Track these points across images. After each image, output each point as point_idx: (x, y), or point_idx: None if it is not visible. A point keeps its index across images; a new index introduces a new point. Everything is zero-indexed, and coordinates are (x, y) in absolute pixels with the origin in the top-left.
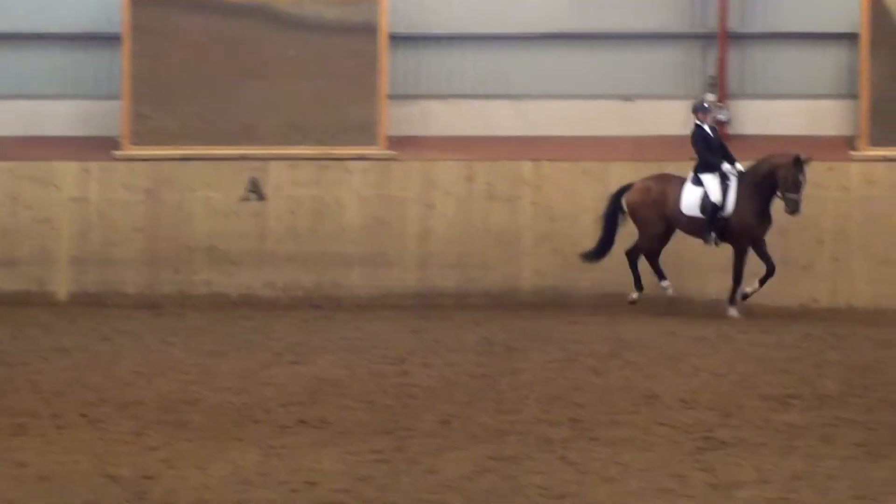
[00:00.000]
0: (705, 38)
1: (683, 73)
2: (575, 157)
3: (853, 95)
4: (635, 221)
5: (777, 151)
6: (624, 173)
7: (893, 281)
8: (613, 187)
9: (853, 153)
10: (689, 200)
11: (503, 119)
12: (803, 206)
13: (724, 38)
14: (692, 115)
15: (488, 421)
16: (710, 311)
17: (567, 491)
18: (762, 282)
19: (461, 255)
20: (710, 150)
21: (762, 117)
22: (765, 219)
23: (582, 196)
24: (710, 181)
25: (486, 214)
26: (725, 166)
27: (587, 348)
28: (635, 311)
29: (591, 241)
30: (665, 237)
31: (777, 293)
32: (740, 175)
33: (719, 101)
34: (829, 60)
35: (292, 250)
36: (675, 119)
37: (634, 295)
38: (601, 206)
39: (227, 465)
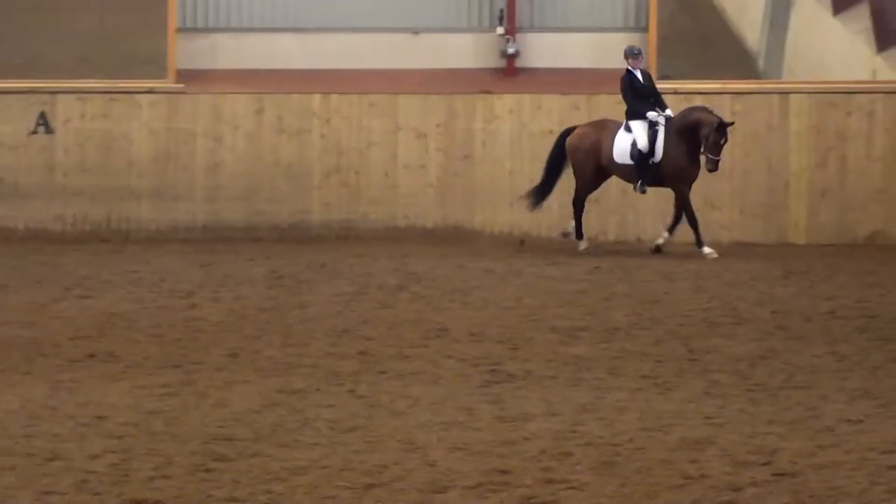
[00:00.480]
0: None
1: (471, 7)
2: (363, 89)
3: (642, 28)
4: (572, 166)
5: (703, 105)
6: (412, 106)
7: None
8: (402, 121)
9: None
10: (621, 147)
11: (292, 52)
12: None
13: None
14: (624, 60)
15: (276, 354)
16: (497, 245)
17: (356, 424)
18: (671, 230)
19: (250, 188)
20: (636, 98)
21: (552, 50)
22: (695, 163)
23: (370, 129)
24: (638, 128)
25: (275, 148)
26: (651, 114)
27: (376, 281)
28: (424, 244)
29: (378, 174)
30: (597, 183)
31: (566, 226)
32: (668, 121)
33: (509, 33)
34: None
35: (81, 184)
36: (462, 52)
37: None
38: (389, 139)
39: (14, 399)
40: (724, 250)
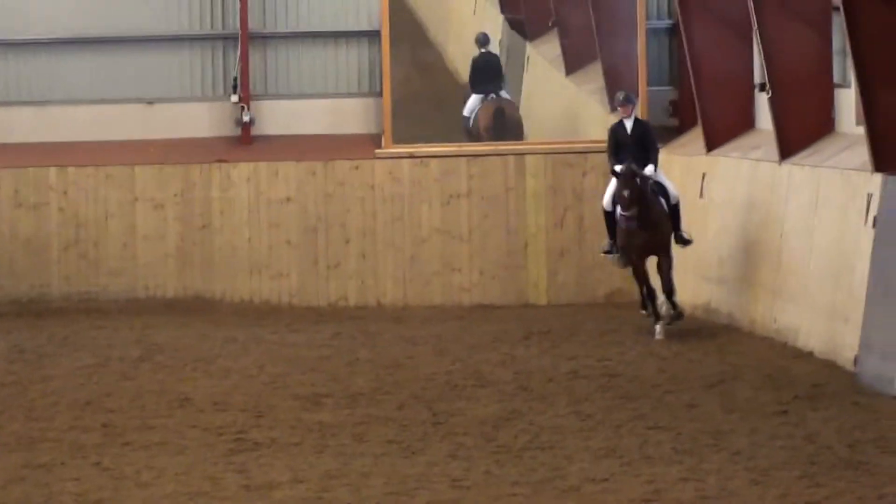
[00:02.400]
0: (227, 39)
1: (205, 76)
2: (99, 161)
3: (376, 93)
4: None
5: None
6: (149, 176)
7: (419, 277)
8: (139, 191)
9: (378, 151)
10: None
11: (28, 125)
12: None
13: (246, 40)
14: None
15: (20, 429)
16: (238, 313)
17: (101, 496)
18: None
19: None
20: (613, 150)
21: (287, 117)
22: (647, 226)
23: (108, 200)
24: (611, 184)
25: (13, 222)
26: (616, 168)
27: (118, 352)
28: (165, 314)
29: (117, 245)
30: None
31: (306, 293)
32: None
33: (242, 101)
34: (352, 59)
35: None
36: (198, 121)
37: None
38: (127, 210)
39: None
40: (466, 313)
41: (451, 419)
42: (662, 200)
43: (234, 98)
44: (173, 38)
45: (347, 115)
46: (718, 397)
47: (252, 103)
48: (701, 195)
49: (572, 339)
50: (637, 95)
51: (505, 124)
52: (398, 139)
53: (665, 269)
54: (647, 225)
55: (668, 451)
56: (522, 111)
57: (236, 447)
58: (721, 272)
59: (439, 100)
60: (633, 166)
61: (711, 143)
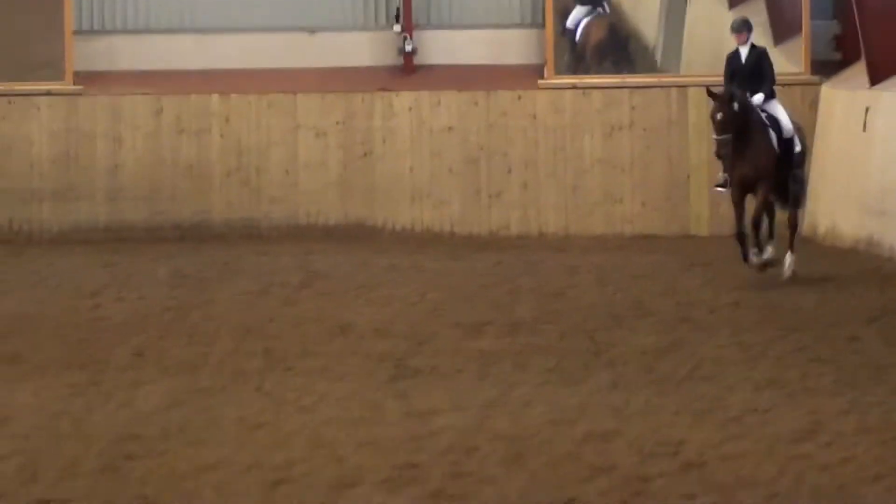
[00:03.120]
0: None
1: (367, 5)
2: (261, 89)
3: (538, 25)
4: None
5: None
6: (310, 104)
7: (581, 208)
8: (301, 119)
9: (540, 81)
10: None
11: (189, 53)
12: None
13: None
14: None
15: (181, 354)
16: (399, 240)
17: (262, 421)
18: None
19: (151, 188)
20: (726, 78)
21: (449, 47)
22: (745, 156)
23: (269, 128)
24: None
25: (175, 148)
26: (712, 89)
27: (279, 279)
28: (326, 241)
29: (279, 172)
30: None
31: (467, 221)
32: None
33: (406, 31)
34: None
35: None
36: (360, 50)
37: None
38: (289, 137)
39: None
40: (627, 243)
41: (611, 349)
42: (773, 133)
43: (397, 28)
44: None
45: (509, 46)
46: (880, 331)
47: (414, 33)
48: (864, 129)
49: (734, 271)
50: (750, 24)
51: (619, 42)
52: (560, 70)
53: (760, 204)
54: (745, 155)
55: (830, 383)
56: (686, 44)
57: (397, 374)
58: (883, 205)
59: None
60: (736, 91)
61: (875, 77)
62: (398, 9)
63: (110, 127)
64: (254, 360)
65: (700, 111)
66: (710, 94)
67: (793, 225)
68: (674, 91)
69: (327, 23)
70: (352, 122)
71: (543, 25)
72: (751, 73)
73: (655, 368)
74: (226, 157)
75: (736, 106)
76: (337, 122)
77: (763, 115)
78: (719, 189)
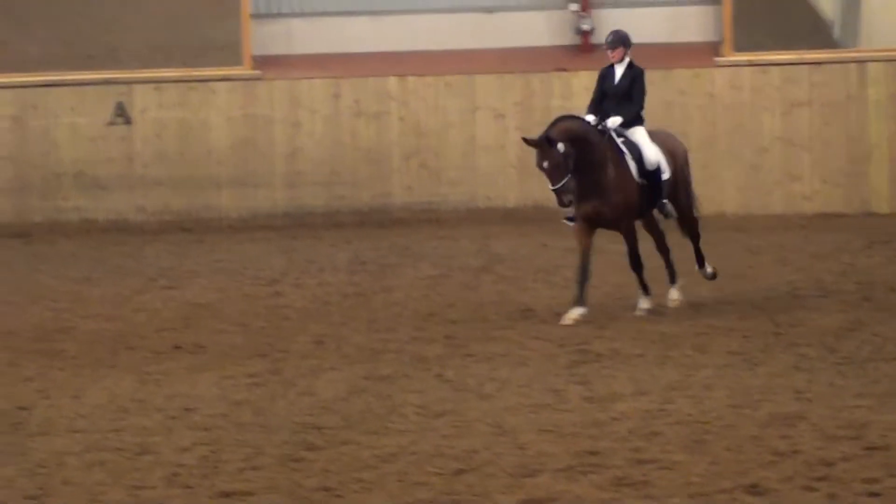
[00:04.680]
0: None
1: None
2: (439, 71)
3: (716, 1)
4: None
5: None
6: (489, 86)
7: (761, 187)
8: (480, 101)
9: (718, 59)
10: None
11: (366, 36)
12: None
13: None
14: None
15: (362, 340)
16: None
17: (444, 409)
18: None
19: (330, 173)
20: (592, 99)
21: (626, 25)
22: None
23: (447, 110)
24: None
25: (354, 132)
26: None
27: (459, 263)
28: (505, 224)
29: (457, 155)
30: None
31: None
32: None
33: (583, 10)
34: None
35: (160, 174)
36: (537, 30)
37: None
38: (467, 119)
39: (102, 394)
40: (807, 222)
41: (792, 329)
42: (632, 164)
43: (574, 7)
44: None
45: (687, 23)
46: None
47: (591, 12)
48: None
49: None
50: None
51: None
52: (738, 47)
53: (627, 243)
54: (594, 190)
55: None
56: (865, 19)
57: (579, 359)
58: None
59: (779, 7)
60: (550, 135)
61: None
62: None
63: (289, 111)
64: (435, 345)
65: (879, 87)
66: (527, 142)
67: (694, 235)
68: (853, 67)
69: (504, 3)
70: (530, 103)
71: (721, 2)
72: (624, 94)
73: (837, 349)
74: (404, 140)
75: (561, 147)
76: (515, 103)
77: (620, 140)
78: (567, 222)
